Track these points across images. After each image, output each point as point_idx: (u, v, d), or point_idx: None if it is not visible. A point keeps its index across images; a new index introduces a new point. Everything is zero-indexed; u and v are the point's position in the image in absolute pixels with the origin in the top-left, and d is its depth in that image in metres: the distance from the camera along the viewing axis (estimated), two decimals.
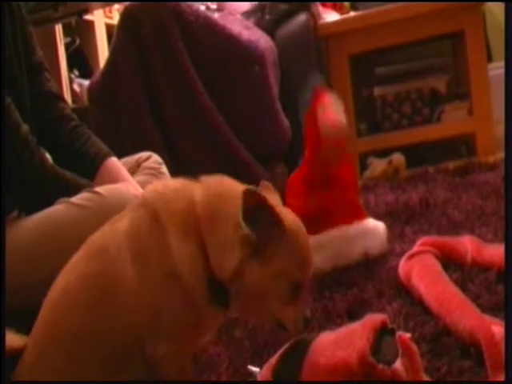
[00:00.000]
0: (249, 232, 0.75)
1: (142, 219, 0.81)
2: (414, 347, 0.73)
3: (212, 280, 0.78)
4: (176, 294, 0.78)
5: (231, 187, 0.82)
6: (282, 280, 0.78)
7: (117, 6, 3.46)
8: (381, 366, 0.70)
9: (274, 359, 0.85)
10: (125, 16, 2.23)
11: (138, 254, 0.79)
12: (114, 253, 0.80)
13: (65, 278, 0.85)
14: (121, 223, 0.83)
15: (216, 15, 2.41)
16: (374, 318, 0.78)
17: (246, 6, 2.83)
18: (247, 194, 0.75)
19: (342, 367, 0.71)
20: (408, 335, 0.74)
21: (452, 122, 2.58)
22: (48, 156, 1.30)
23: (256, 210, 0.76)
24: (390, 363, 0.70)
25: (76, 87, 3.27)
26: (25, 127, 1.20)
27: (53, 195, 1.20)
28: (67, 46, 3.21)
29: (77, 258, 0.85)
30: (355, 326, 0.78)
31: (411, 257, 1.19)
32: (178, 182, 0.85)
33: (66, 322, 0.81)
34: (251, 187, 0.77)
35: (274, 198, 0.83)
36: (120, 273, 0.79)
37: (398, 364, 0.71)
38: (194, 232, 0.78)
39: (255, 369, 0.90)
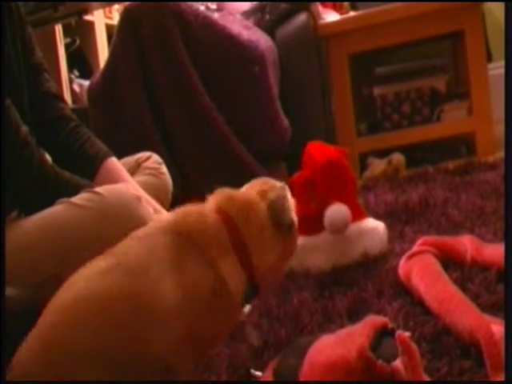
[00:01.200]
0: None
1: (178, 245, 0.82)
2: (414, 346, 0.73)
3: (248, 285, 0.84)
4: (221, 315, 0.82)
5: (236, 193, 0.90)
6: None
7: (117, 7, 3.46)
8: (380, 362, 0.70)
9: (275, 361, 0.85)
10: (125, 16, 2.24)
11: (181, 278, 0.79)
12: (155, 275, 0.78)
13: (85, 284, 0.79)
14: (156, 243, 0.82)
15: (216, 15, 2.41)
16: (374, 319, 0.78)
17: (246, 5, 2.83)
18: None
19: (341, 363, 0.71)
20: (407, 334, 0.74)
21: (452, 121, 2.58)
22: (47, 156, 1.30)
23: None
24: (389, 361, 0.70)
25: (76, 87, 3.27)
26: (24, 128, 1.20)
27: (53, 195, 1.19)
28: (67, 47, 3.22)
29: (102, 266, 0.80)
30: (355, 327, 0.78)
31: (411, 257, 1.19)
32: (196, 206, 0.88)
33: (78, 338, 0.76)
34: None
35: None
36: (160, 297, 0.77)
37: (398, 363, 0.71)
38: (229, 245, 0.83)
39: (258, 373, 0.90)
